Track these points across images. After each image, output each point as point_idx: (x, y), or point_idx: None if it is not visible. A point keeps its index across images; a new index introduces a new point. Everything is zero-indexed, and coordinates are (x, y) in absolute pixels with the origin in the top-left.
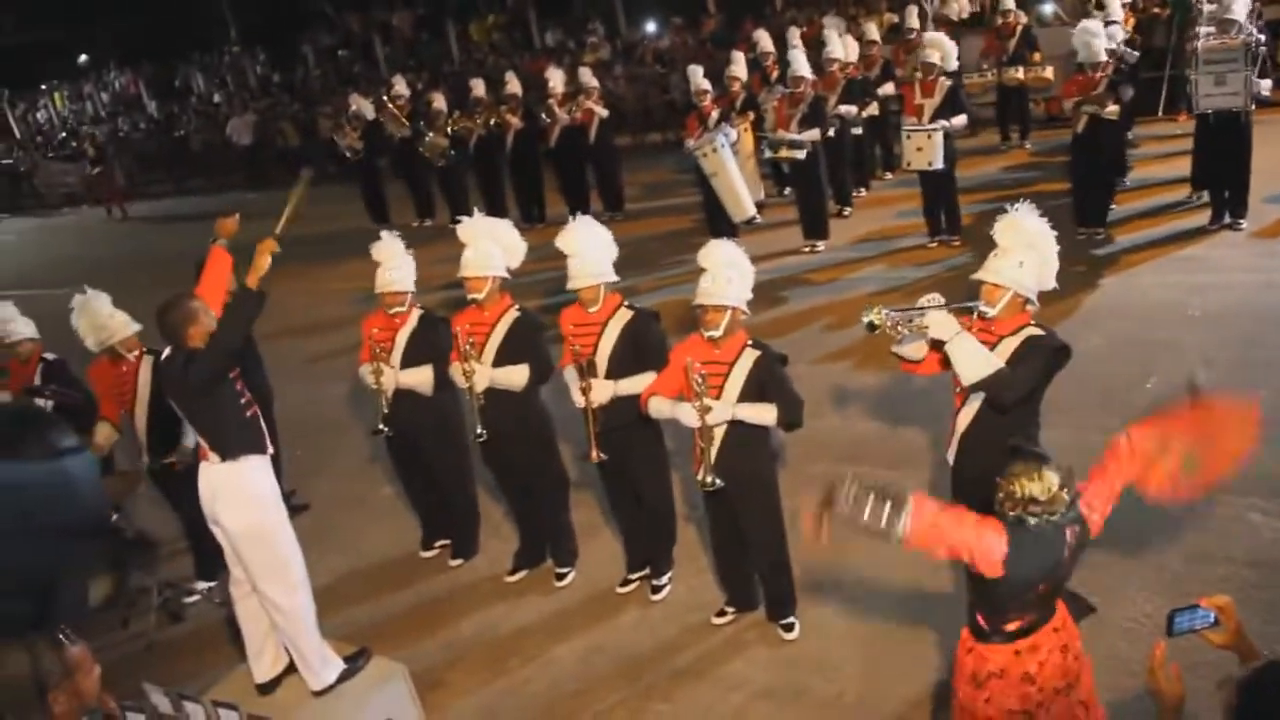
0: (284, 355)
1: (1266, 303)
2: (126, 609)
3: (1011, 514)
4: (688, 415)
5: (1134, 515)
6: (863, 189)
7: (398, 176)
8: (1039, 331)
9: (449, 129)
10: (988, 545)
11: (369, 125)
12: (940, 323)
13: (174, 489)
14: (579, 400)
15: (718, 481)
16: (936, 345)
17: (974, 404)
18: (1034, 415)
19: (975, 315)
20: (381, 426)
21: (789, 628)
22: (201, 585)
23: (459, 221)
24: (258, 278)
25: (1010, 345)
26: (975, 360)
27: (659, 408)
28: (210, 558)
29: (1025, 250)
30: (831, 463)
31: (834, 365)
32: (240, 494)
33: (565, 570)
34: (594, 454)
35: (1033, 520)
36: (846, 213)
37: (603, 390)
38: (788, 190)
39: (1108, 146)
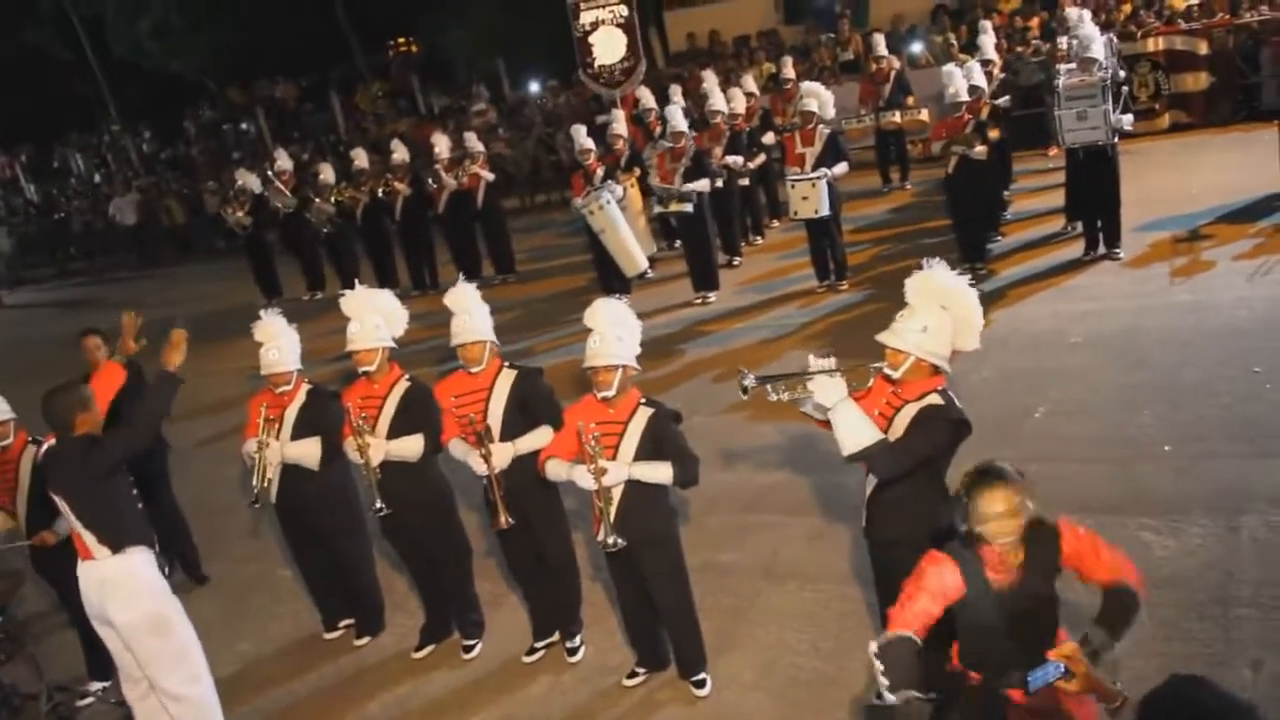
0: (172, 438)
1: (1144, 326)
2: (11, 717)
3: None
4: (583, 478)
5: None
6: (759, 237)
7: (286, 250)
8: (939, 402)
9: (333, 199)
10: None
11: (256, 200)
12: (825, 388)
13: (61, 582)
14: (480, 468)
15: (619, 541)
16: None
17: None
18: (936, 486)
19: (874, 378)
20: (255, 498)
21: (700, 684)
22: (95, 686)
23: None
24: (178, 361)
25: (910, 412)
26: (854, 430)
27: (556, 471)
28: (103, 655)
29: (933, 313)
30: (732, 515)
31: (731, 417)
32: (131, 587)
33: (472, 642)
34: (503, 519)
35: None
36: (736, 262)
37: (503, 454)
38: (677, 243)
39: (980, 185)
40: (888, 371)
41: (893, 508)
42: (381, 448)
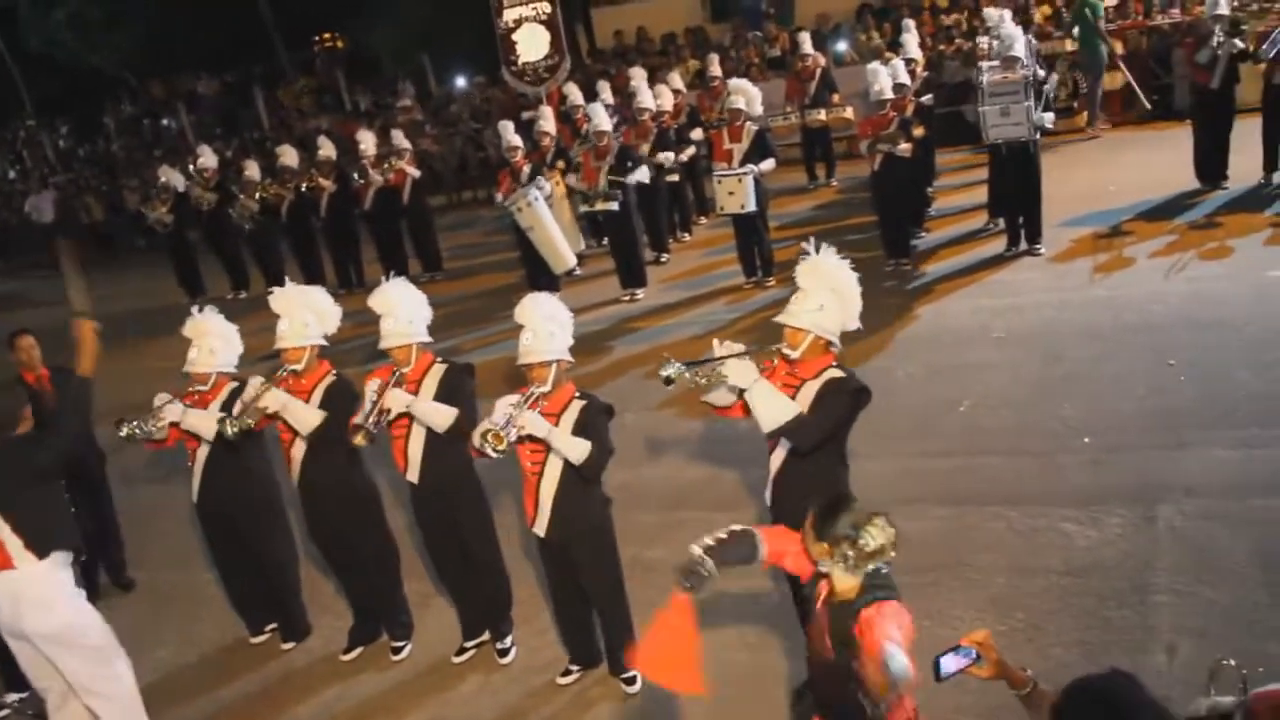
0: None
1: (1065, 321)
2: None
3: (860, 568)
4: (506, 404)
5: (954, 537)
6: (686, 234)
7: (209, 248)
8: (839, 374)
9: (258, 195)
10: None
11: (178, 197)
12: (738, 370)
13: None
14: (371, 396)
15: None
16: (739, 392)
17: (784, 447)
18: (840, 456)
19: (777, 359)
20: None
21: (631, 681)
22: (12, 697)
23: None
24: (93, 362)
25: (813, 388)
26: (772, 407)
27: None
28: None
29: (826, 293)
30: (661, 511)
31: (659, 413)
32: (46, 597)
33: (401, 644)
34: (362, 433)
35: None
36: (664, 259)
37: (398, 399)
38: (605, 240)
39: (905, 182)
40: (786, 351)
41: (802, 479)
42: (280, 398)
